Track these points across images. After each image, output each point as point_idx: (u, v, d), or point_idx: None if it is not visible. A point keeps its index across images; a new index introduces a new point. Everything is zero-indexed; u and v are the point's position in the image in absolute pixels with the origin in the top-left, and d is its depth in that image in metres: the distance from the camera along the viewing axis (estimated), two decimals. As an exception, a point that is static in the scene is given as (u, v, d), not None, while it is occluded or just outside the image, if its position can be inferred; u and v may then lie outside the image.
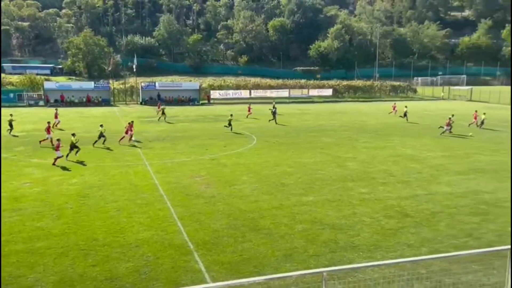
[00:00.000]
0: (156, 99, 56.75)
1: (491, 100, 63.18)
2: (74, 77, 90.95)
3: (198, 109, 53.42)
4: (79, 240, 12.41)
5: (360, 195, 17.27)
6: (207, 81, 76.25)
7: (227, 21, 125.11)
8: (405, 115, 41.00)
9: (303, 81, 75.81)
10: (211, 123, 38.70)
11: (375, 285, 8.91)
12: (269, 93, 66.96)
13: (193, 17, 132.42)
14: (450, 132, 32.92)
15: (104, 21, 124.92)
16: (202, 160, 23.31)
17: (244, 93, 65.74)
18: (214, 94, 64.61)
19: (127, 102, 60.32)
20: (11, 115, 32.17)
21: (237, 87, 67.95)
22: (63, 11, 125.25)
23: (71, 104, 54.92)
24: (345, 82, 75.60)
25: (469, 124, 37.45)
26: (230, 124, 33.55)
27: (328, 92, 70.50)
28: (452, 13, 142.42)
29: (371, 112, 44.97)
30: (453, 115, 34.85)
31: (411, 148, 27.44)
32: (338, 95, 70.58)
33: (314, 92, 69.83)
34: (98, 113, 45.90)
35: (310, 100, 65.59)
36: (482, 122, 37.10)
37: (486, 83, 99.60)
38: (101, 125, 27.56)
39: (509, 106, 53.90)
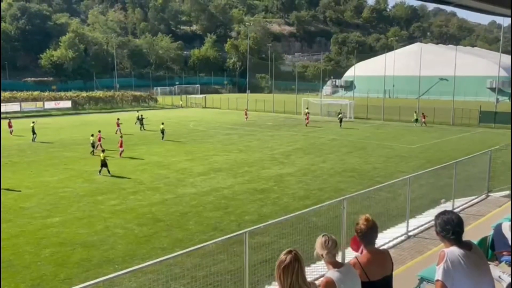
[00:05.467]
0: None
1: (222, 106, 71.06)
2: None
3: None
4: None
5: (111, 207, 16.98)
6: None
7: None
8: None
9: (36, 93, 68.96)
10: None
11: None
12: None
13: None
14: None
15: None
16: None
17: (-38, 109, 55.52)
18: None
19: None
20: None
21: (-49, 102, 56.75)
22: None
23: None
24: (84, 93, 72.50)
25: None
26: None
27: (67, 104, 66.26)
28: (182, 27, 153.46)
29: (113, 123, 44.50)
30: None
31: (157, 155, 28.45)
32: (78, 107, 67.10)
33: (50, 105, 64.38)
34: None
35: (47, 113, 60.24)
36: (341, 120, 44.25)
37: (216, 91, 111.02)
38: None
39: (237, 111, 61.75)
